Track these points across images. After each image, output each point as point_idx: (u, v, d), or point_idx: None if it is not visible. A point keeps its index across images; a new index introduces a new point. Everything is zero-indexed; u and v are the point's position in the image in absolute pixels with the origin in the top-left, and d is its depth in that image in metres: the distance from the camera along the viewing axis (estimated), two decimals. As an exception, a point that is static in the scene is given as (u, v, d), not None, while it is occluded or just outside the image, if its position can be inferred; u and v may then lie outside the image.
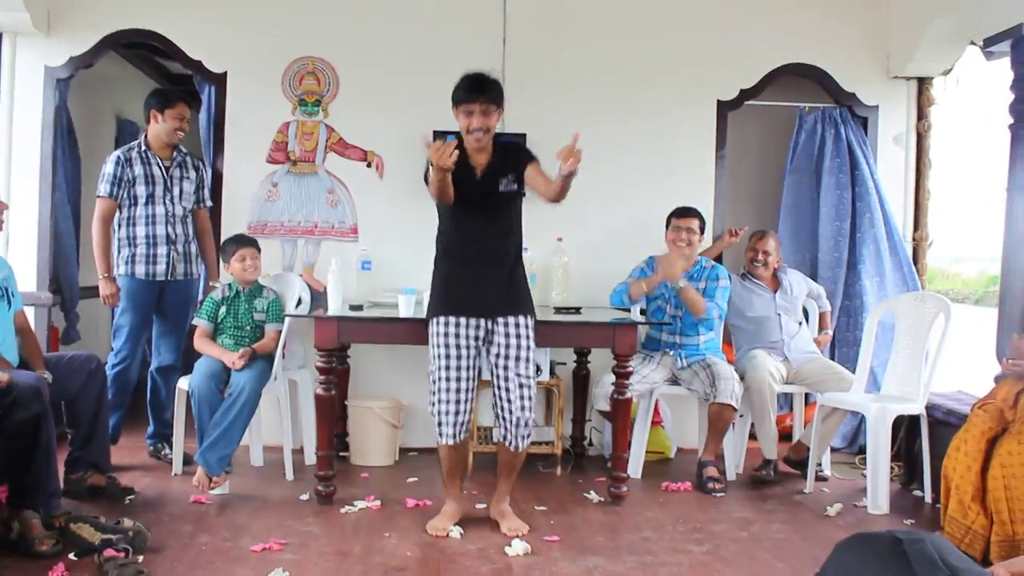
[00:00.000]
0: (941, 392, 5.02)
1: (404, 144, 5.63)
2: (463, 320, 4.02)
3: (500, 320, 4.04)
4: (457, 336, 4.01)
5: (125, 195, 5.05)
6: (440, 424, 4.03)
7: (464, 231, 4.11)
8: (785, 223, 6.02)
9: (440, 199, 4.02)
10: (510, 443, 4.06)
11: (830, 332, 5.67)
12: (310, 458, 5.13)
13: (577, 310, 5.09)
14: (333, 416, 4.69)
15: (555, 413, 5.29)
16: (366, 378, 5.64)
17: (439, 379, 4.01)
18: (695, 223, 5.20)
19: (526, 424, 4.04)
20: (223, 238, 5.22)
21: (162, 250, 5.07)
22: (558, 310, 5.11)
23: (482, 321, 4.05)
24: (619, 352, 4.53)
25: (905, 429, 5.05)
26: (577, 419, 5.64)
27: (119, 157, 5.05)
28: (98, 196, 5.07)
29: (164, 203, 5.08)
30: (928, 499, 4.72)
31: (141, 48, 6.65)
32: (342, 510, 4.33)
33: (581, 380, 5.59)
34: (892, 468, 4.83)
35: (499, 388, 4.06)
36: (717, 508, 4.59)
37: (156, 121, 5.08)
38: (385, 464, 5.25)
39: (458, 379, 4.01)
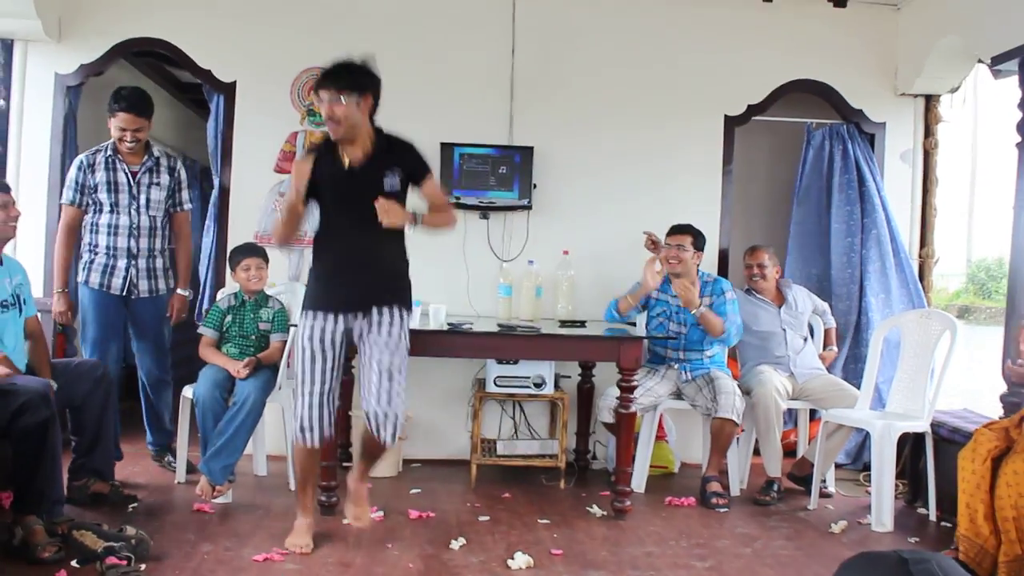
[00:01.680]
0: (947, 410, 5.02)
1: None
2: (329, 316, 3.86)
3: (365, 312, 3.87)
4: (322, 331, 3.85)
5: (89, 201, 4.85)
6: (297, 424, 3.88)
7: (334, 228, 3.92)
8: (794, 240, 6.02)
9: (283, 237, 3.94)
10: (375, 434, 3.87)
11: (835, 348, 5.65)
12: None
13: (582, 323, 5.09)
14: (337, 427, 4.67)
15: (559, 426, 5.28)
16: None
17: (300, 379, 3.88)
18: (687, 240, 5.18)
19: (385, 418, 3.83)
20: (230, 248, 5.23)
21: (121, 263, 4.85)
22: (563, 323, 5.11)
23: (349, 317, 3.88)
24: (624, 366, 4.53)
25: (910, 447, 5.04)
26: (581, 432, 5.63)
27: (81, 161, 4.86)
28: (60, 203, 4.96)
29: (129, 213, 4.85)
30: (933, 517, 4.70)
31: (151, 56, 6.67)
32: (344, 521, 4.31)
33: (585, 393, 5.59)
34: (897, 486, 4.81)
35: (366, 380, 3.88)
36: (720, 524, 4.57)
37: (109, 125, 4.85)
38: (388, 475, 5.24)
39: (320, 375, 3.86)
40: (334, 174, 3.83)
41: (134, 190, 4.85)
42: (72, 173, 4.85)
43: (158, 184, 4.92)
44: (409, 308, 4.01)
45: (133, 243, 4.86)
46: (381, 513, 4.43)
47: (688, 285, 5.05)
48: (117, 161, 4.85)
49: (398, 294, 3.96)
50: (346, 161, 3.86)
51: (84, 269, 4.86)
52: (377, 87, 3.87)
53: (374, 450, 4.03)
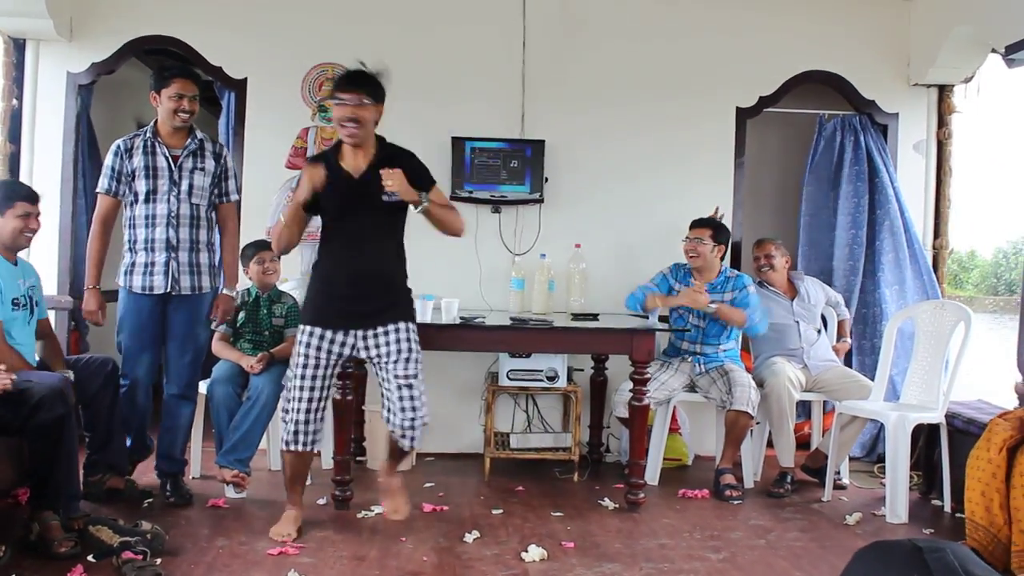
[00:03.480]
0: (961, 401, 4.99)
1: (422, 150, 5.58)
2: (327, 333, 3.90)
3: (372, 332, 3.91)
4: (319, 348, 3.90)
5: (127, 191, 4.42)
6: (286, 430, 3.95)
7: (338, 238, 3.94)
8: (805, 231, 6.00)
9: (284, 242, 3.97)
10: (399, 441, 3.97)
11: (849, 340, 5.64)
12: (327, 462, 5.12)
13: (595, 316, 5.08)
14: (350, 421, 4.70)
15: (572, 419, 5.28)
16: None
17: (294, 387, 3.92)
18: (706, 233, 5.17)
19: (411, 426, 3.91)
20: (243, 244, 5.24)
21: (160, 258, 4.38)
22: (576, 316, 5.11)
23: (349, 336, 3.92)
24: (637, 359, 4.53)
25: (924, 438, 5.02)
26: (594, 425, 5.63)
27: (119, 146, 4.42)
28: (96, 192, 4.53)
29: (168, 200, 4.37)
30: (948, 508, 4.68)
31: (162, 55, 6.68)
32: (359, 514, 4.34)
33: (599, 386, 5.59)
34: (911, 477, 4.80)
35: (384, 391, 3.96)
36: (734, 516, 4.57)
37: (156, 103, 4.43)
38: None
39: (312, 389, 3.91)
40: (337, 183, 3.84)
41: (175, 175, 4.38)
42: (108, 159, 4.44)
43: (202, 169, 4.45)
44: (414, 320, 4.04)
45: (172, 233, 4.38)
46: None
47: (692, 293, 5.03)
48: (157, 144, 4.40)
49: (402, 310, 3.99)
50: (349, 171, 3.89)
51: (126, 272, 4.42)
52: (384, 99, 3.93)
53: (401, 456, 4.15)
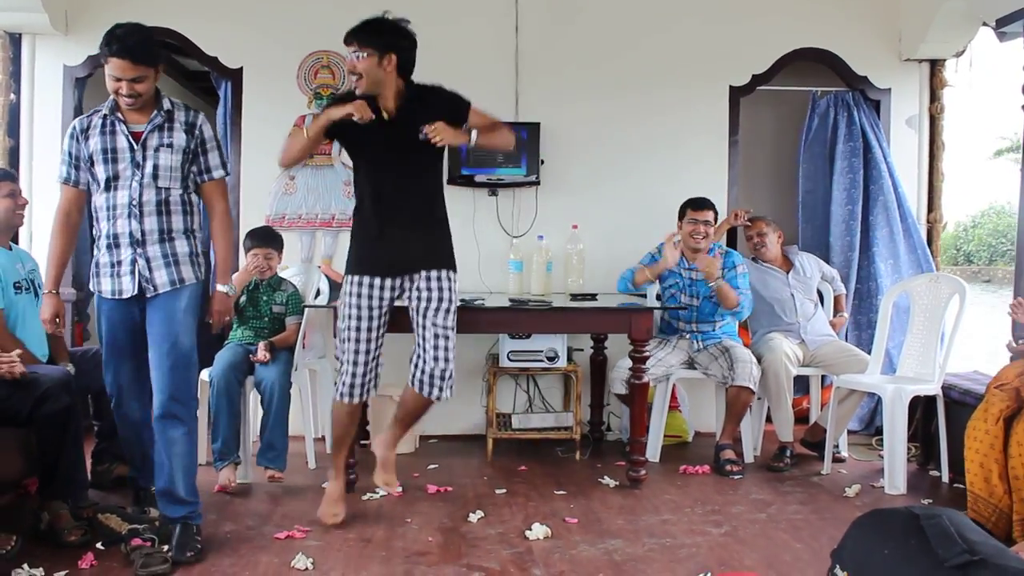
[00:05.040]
0: (957, 372, 5.04)
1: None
2: (376, 280, 3.93)
3: (415, 275, 3.95)
4: (369, 297, 3.93)
5: (89, 177, 3.73)
6: (341, 383, 3.99)
7: (375, 184, 3.94)
8: (804, 209, 6.03)
9: (295, 158, 4.02)
10: (423, 391, 4.00)
11: (846, 315, 5.68)
12: (331, 446, 5.18)
13: (593, 296, 5.12)
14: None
15: (573, 399, 5.33)
16: (386, 367, 5.66)
17: (347, 339, 3.95)
18: (710, 215, 5.21)
19: (441, 376, 3.97)
20: (242, 233, 5.26)
21: (126, 255, 3.66)
22: (574, 296, 5.15)
23: (396, 281, 3.96)
24: (635, 337, 4.57)
25: (921, 410, 5.07)
26: (595, 404, 5.68)
27: (74, 127, 3.75)
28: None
29: (130, 187, 3.63)
30: (945, 479, 4.74)
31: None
32: (364, 497, 4.39)
33: (598, 365, 5.64)
34: (909, 449, 4.84)
35: (418, 338, 4.00)
36: (735, 490, 4.62)
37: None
38: (406, 452, 5.29)
39: (367, 340, 3.95)
40: (371, 128, 3.83)
41: (138, 156, 3.64)
42: (64, 143, 3.78)
43: (169, 146, 3.68)
44: (455, 267, 4.06)
45: (135, 225, 3.63)
46: (400, 488, 4.49)
47: (711, 260, 5.06)
48: (116, 122, 3.68)
49: (445, 257, 4.03)
50: (385, 115, 3.89)
51: (93, 274, 3.78)
52: (404, 46, 3.92)
53: (418, 410, 4.15)
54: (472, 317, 4.60)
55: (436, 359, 3.95)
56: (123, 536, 3.59)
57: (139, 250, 3.65)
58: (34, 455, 3.84)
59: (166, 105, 3.73)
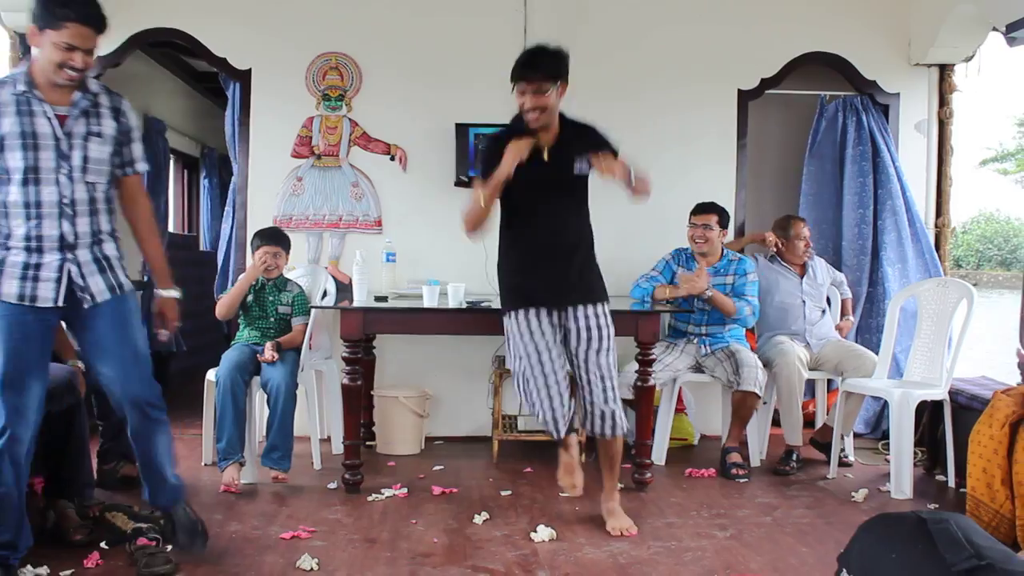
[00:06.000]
0: (964, 377, 5.03)
1: (427, 137, 5.70)
2: (543, 311, 3.87)
3: (571, 310, 3.89)
4: (540, 329, 3.86)
5: None
6: (547, 423, 3.89)
7: (531, 218, 3.90)
8: (806, 211, 6.03)
9: (481, 223, 3.90)
10: (597, 432, 3.95)
11: (852, 319, 5.68)
12: (337, 447, 5.18)
13: (600, 299, 5.10)
14: (359, 406, 4.74)
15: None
16: (392, 368, 5.70)
17: (528, 378, 3.86)
18: (712, 219, 5.18)
19: (611, 416, 3.90)
20: (250, 233, 5.28)
21: (51, 260, 3.18)
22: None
23: (555, 312, 3.90)
24: (642, 340, 4.56)
25: (928, 414, 5.07)
26: (601, 408, 5.66)
27: None
28: None
29: (57, 182, 3.16)
30: (952, 484, 4.73)
31: (167, 47, 6.73)
32: (369, 498, 4.38)
33: (604, 369, 5.62)
34: (916, 453, 4.84)
35: (580, 380, 3.93)
36: (740, 494, 4.61)
37: (35, 42, 3.15)
38: (411, 453, 5.30)
39: (553, 372, 3.86)
40: (528, 163, 3.79)
41: (63, 144, 3.17)
42: None
43: (99, 135, 3.26)
44: (607, 300, 4.02)
45: (68, 227, 3.18)
46: (405, 490, 4.50)
47: (692, 278, 5.04)
48: (34, 100, 3.16)
49: (598, 290, 3.99)
50: (544, 151, 3.85)
51: None
52: (567, 73, 3.84)
53: (612, 452, 4.06)
54: (478, 319, 4.60)
55: (606, 400, 3.89)
56: (128, 535, 3.58)
57: (69, 255, 3.21)
58: (39, 454, 3.83)
59: (93, 87, 3.30)
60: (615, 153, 3.89)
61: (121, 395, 3.34)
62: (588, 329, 3.89)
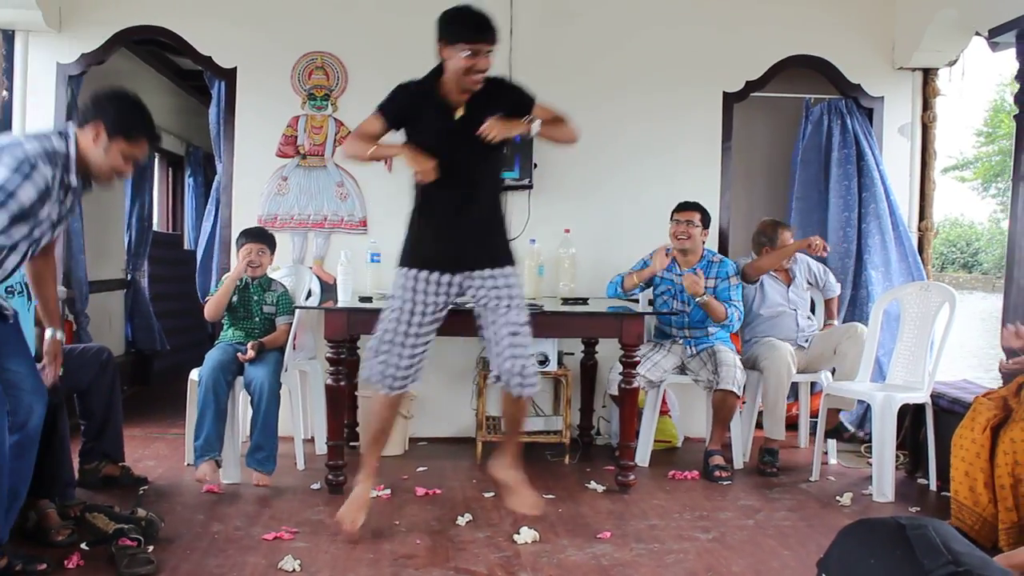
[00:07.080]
0: (946, 381, 5.06)
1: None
2: (433, 276, 3.85)
3: (478, 274, 3.87)
4: (425, 292, 3.85)
5: None
6: (384, 375, 3.85)
7: (441, 179, 3.76)
8: (796, 216, 6.05)
9: (354, 161, 3.99)
10: (512, 390, 3.91)
11: (835, 323, 5.67)
12: (321, 448, 5.17)
13: (584, 301, 5.12)
14: (343, 406, 4.73)
15: (563, 403, 5.33)
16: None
17: (395, 331, 3.82)
18: (695, 216, 5.20)
19: (520, 372, 3.86)
20: (235, 233, 5.27)
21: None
22: (565, 301, 5.14)
23: (456, 277, 3.87)
24: (626, 342, 4.57)
25: (910, 418, 5.09)
26: (585, 408, 5.68)
27: None
28: None
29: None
30: (933, 487, 4.75)
31: (152, 45, 6.70)
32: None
33: (589, 370, 5.63)
34: (897, 457, 4.86)
35: (492, 339, 3.91)
36: (723, 496, 4.62)
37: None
38: (395, 454, 5.30)
39: (418, 335, 3.86)
40: (440, 126, 3.80)
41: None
42: None
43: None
44: (514, 262, 3.99)
45: None
46: (388, 491, 4.49)
47: (695, 278, 5.06)
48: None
49: (508, 252, 3.97)
50: (455, 111, 3.82)
51: None
52: None
53: (516, 413, 4.08)
54: (462, 319, 4.58)
55: (515, 356, 3.85)
56: (110, 535, 3.57)
57: None
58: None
59: None
60: (531, 104, 3.89)
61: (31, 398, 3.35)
62: (496, 288, 3.87)
